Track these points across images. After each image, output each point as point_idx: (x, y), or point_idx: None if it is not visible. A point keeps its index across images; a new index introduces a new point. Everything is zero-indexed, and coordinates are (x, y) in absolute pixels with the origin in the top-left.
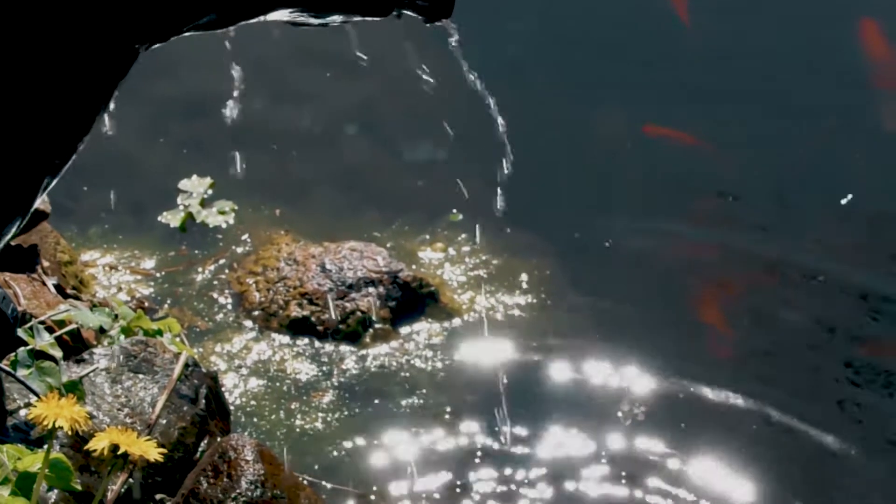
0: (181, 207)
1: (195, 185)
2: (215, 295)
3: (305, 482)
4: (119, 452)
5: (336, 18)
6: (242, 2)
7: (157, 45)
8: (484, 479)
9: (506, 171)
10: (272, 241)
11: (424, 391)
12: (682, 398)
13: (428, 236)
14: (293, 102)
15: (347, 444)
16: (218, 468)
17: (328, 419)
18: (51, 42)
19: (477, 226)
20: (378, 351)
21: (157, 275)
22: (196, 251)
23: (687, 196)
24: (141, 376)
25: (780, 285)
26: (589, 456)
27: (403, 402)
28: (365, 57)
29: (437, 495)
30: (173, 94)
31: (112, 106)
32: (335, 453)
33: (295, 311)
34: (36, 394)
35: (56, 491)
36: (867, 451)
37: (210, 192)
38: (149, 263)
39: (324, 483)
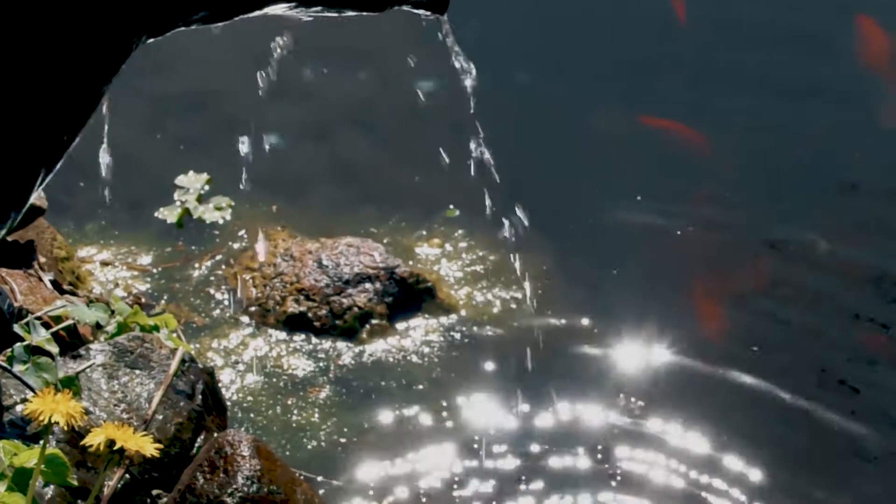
0: (178, 203)
1: (192, 182)
2: (212, 291)
3: (302, 477)
4: (115, 448)
5: (331, 14)
6: None
7: (152, 40)
8: (482, 474)
9: (494, 168)
10: (269, 237)
11: (421, 387)
12: (682, 390)
13: (425, 232)
14: (290, 98)
15: (344, 440)
16: (214, 464)
17: (325, 415)
18: (46, 36)
19: (473, 222)
20: (375, 347)
21: (154, 271)
22: (193, 247)
23: (684, 188)
24: (137, 372)
25: (777, 273)
26: (589, 449)
27: (400, 398)
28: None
29: (434, 490)
30: (170, 90)
31: (109, 101)
32: (332, 449)
33: (291, 307)
34: (32, 389)
35: (52, 486)
36: (872, 429)
37: (207, 188)
38: (145, 259)
39: (320, 478)
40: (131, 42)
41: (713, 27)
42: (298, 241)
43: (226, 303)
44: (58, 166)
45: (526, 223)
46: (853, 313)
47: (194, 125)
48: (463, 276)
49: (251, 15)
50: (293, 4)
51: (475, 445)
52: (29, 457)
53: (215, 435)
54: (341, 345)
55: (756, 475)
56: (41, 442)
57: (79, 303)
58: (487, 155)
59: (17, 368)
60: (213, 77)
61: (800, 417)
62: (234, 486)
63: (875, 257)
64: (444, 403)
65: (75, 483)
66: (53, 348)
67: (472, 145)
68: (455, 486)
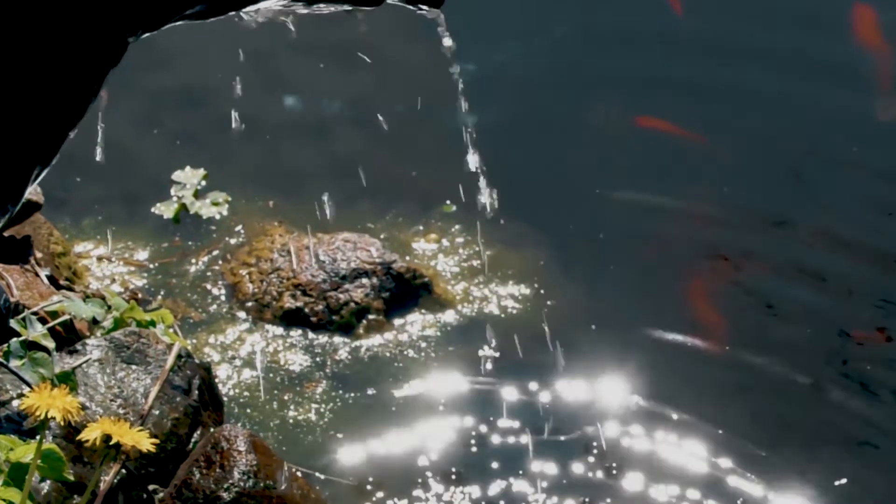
0: (175, 199)
1: (189, 177)
2: (209, 286)
3: (298, 473)
4: (111, 443)
5: (327, 8)
6: None
7: (148, 35)
8: (478, 469)
9: (491, 163)
10: (266, 233)
11: (418, 382)
12: (681, 380)
13: (421, 227)
14: (287, 93)
15: (340, 435)
16: (211, 459)
17: (321, 410)
18: (40, 30)
19: (471, 217)
20: (371, 342)
21: (151, 266)
22: (189, 242)
23: (679, 186)
24: (134, 367)
25: (771, 273)
26: (587, 440)
27: (396, 393)
28: (368, 59)
29: (430, 485)
30: (167, 85)
31: (105, 97)
32: (328, 444)
33: (288, 303)
34: (28, 384)
35: (49, 481)
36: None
37: (204, 183)
38: (142, 255)
39: (317, 474)
40: (126, 36)
41: (708, 22)
42: (295, 236)
43: (222, 298)
44: (53, 161)
45: (523, 218)
46: (852, 301)
47: (191, 120)
48: (460, 271)
49: (247, 10)
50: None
51: (472, 440)
52: (25, 452)
53: (212, 430)
54: (338, 340)
55: (756, 458)
56: (37, 437)
57: (75, 298)
58: (484, 150)
59: (14, 363)
60: (210, 72)
61: (800, 401)
62: (231, 481)
63: (874, 241)
64: (441, 398)
65: (71, 478)
66: (50, 343)
67: (469, 140)
68: (452, 481)
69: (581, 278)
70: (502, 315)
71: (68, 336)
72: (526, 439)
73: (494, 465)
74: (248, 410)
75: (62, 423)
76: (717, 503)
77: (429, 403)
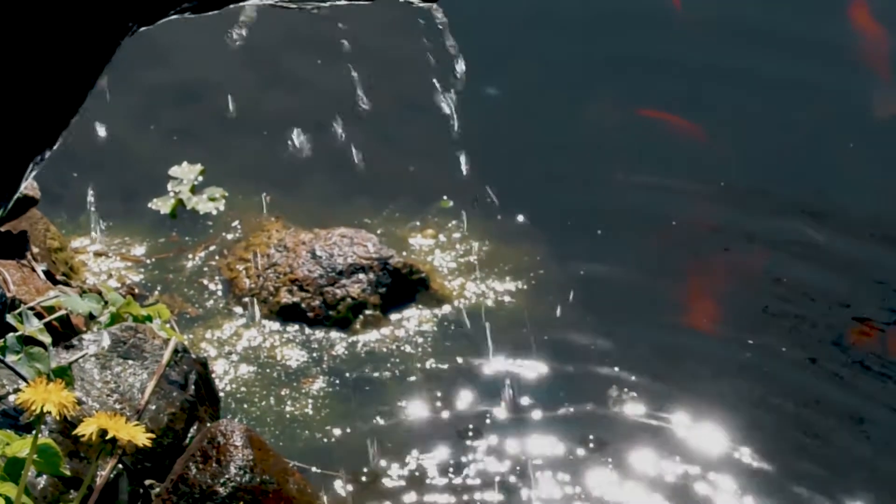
0: (171, 194)
1: (186, 172)
2: (205, 281)
3: (294, 467)
4: (108, 438)
5: (323, 3)
6: None
7: (143, 29)
8: (475, 464)
9: (488, 159)
10: (262, 228)
11: (414, 377)
12: (678, 374)
13: (418, 223)
14: (284, 89)
15: (337, 430)
16: (207, 453)
17: (318, 405)
18: (36, 23)
19: (464, 212)
20: (368, 337)
21: (148, 261)
22: (186, 238)
23: (678, 178)
24: (130, 362)
25: (770, 263)
26: (584, 433)
27: (393, 389)
28: (364, 54)
29: (427, 480)
30: (164, 81)
31: (102, 92)
32: (325, 439)
33: (285, 298)
34: (25, 379)
35: (45, 476)
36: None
37: (200, 178)
38: (139, 250)
39: (313, 468)
40: (122, 30)
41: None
42: (292, 231)
43: (219, 293)
44: (47, 156)
45: (519, 213)
46: (849, 293)
47: (188, 116)
48: (456, 266)
49: (243, 4)
50: None
51: (468, 434)
52: (21, 446)
53: (208, 425)
54: (335, 335)
55: (751, 449)
56: (33, 432)
57: (72, 293)
58: (481, 146)
59: (10, 358)
60: (207, 68)
61: (793, 391)
62: (227, 476)
63: (870, 237)
64: (438, 393)
65: (67, 473)
66: (46, 338)
67: (467, 136)
68: (449, 475)
69: (578, 273)
70: (499, 310)
71: (65, 331)
72: (524, 432)
73: (492, 458)
74: (245, 405)
75: (58, 418)
76: (720, 490)
77: (425, 398)
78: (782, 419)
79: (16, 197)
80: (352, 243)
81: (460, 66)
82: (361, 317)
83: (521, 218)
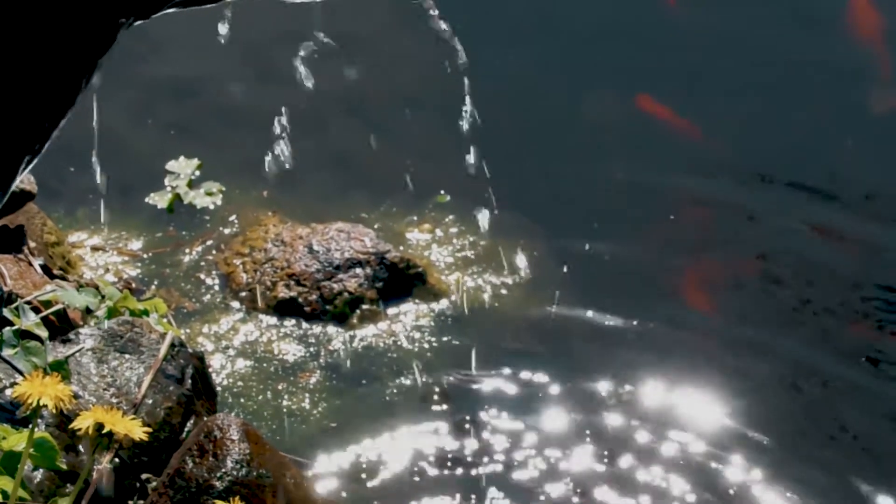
0: (169, 189)
1: (183, 167)
2: (203, 276)
3: (291, 462)
4: (104, 432)
5: None
6: None
7: (140, 22)
8: (472, 457)
9: (485, 153)
10: (260, 223)
11: (412, 372)
12: (675, 367)
13: (415, 217)
14: (281, 84)
15: (334, 425)
16: (203, 448)
17: (314, 399)
18: (31, 17)
19: (464, 207)
20: (365, 332)
21: (145, 256)
22: (183, 232)
23: (675, 174)
24: (127, 356)
25: (766, 261)
26: (582, 427)
27: (390, 383)
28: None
29: (423, 474)
30: (161, 75)
31: (99, 86)
32: (321, 433)
33: (282, 292)
34: (21, 373)
35: (41, 470)
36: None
37: (198, 173)
38: (136, 244)
39: (309, 463)
40: (118, 24)
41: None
42: (289, 226)
43: (216, 288)
44: (43, 149)
45: (517, 208)
46: (845, 288)
47: (185, 110)
48: (453, 261)
49: None
50: None
51: (466, 429)
52: (18, 440)
53: (205, 419)
54: (332, 330)
55: (757, 429)
56: (30, 426)
57: (69, 287)
58: (478, 141)
59: (6, 352)
60: (204, 63)
61: (793, 383)
62: (224, 470)
63: (866, 233)
64: (435, 388)
65: (64, 467)
66: (43, 332)
67: (463, 131)
68: (446, 469)
69: (575, 267)
70: (496, 305)
71: (62, 325)
72: (520, 427)
73: (489, 453)
74: (242, 400)
75: (54, 412)
76: (719, 488)
77: (422, 393)
78: (788, 398)
79: (10, 192)
80: (349, 238)
81: (460, 60)
82: (358, 311)
83: (517, 213)
